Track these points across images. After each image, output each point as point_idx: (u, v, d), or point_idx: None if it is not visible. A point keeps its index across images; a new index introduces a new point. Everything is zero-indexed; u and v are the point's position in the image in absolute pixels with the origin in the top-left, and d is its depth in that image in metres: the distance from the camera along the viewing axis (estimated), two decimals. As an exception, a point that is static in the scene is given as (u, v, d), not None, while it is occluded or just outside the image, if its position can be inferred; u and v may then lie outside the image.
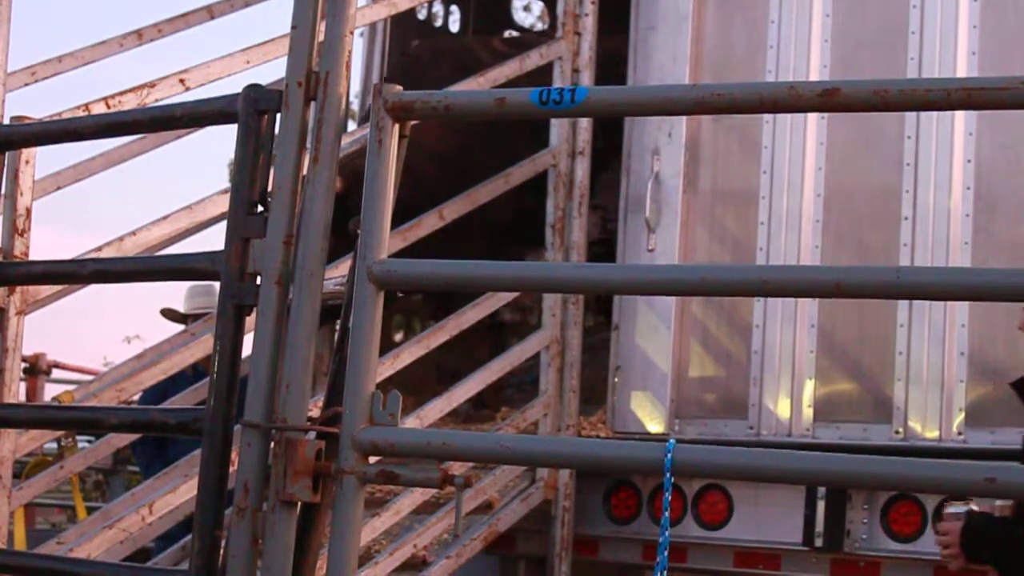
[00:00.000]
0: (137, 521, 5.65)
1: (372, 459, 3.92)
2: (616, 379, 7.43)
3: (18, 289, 5.28)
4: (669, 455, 3.59)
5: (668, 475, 3.60)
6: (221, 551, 4.00)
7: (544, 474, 7.33)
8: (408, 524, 6.82)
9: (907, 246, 6.96)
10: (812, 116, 7.12)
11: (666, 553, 3.75)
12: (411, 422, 6.38)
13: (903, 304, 6.86)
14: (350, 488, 3.84)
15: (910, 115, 6.91)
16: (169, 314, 8.14)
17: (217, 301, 4.18)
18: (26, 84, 6.20)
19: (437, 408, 6.74)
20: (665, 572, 3.72)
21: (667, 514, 3.79)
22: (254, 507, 3.92)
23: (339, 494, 3.85)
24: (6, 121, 5.11)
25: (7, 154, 4.92)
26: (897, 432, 6.86)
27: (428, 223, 6.89)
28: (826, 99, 3.74)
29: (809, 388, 7.04)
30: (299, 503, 3.93)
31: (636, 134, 7.55)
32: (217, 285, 4.17)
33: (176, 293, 7.93)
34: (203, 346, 5.82)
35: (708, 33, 7.54)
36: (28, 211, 5.35)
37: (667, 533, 3.76)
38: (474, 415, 8.34)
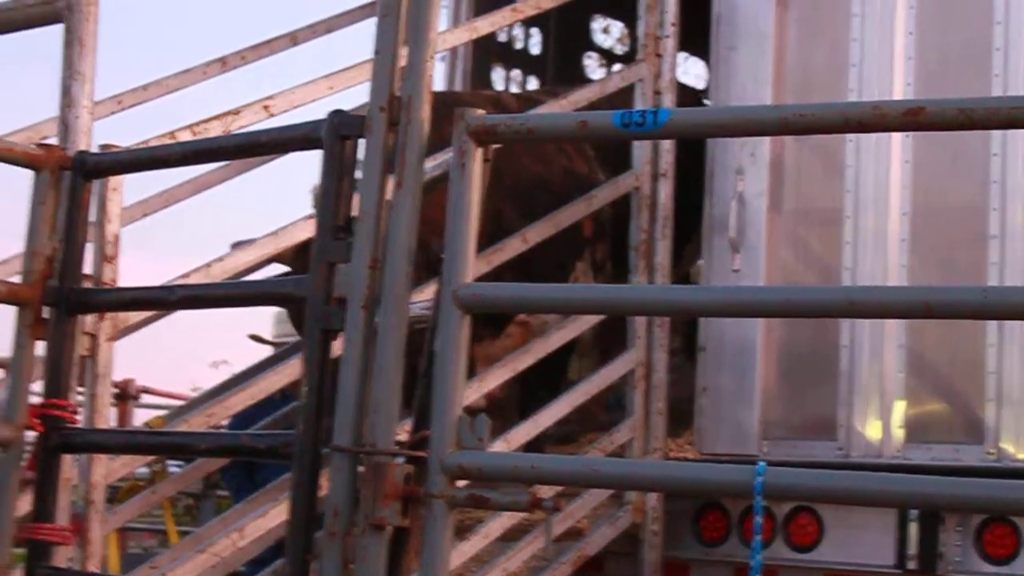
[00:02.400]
0: (228, 545, 5.67)
1: (461, 483, 3.93)
2: (703, 400, 7.40)
3: (108, 316, 5.33)
4: (760, 478, 3.57)
5: (759, 498, 3.58)
6: (312, 575, 4.02)
7: (632, 497, 7.30)
8: (497, 549, 6.80)
9: (995, 265, 6.87)
10: (896, 134, 7.05)
11: (758, 576, 3.72)
12: (498, 445, 6.38)
13: (992, 323, 6.77)
14: (439, 512, 3.84)
15: (996, 132, 6.83)
16: (259, 339, 8.19)
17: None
18: (113, 112, 6.27)
19: (524, 431, 6.72)
20: (757, 595, 3.69)
21: (759, 537, 3.76)
22: (344, 531, 3.94)
23: (429, 518, 3.86)
24: (94, 149, 5.17)
25: (95, 182, 4.98)
26: (989, 453, 6.78)
27: (512, 247, 6.89)
28: (911, 118, 3.72)
29: (899, 409, 6.97)
30: (389, 527, 3.94)
31: (719, 154, 7.51)
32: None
33: (264, 318, 7.96)
34: (291, 371, 5.85)
35: (790, 52, 7.50)
36: (116, 238, 5.40)
37: (759, 557, 3.74)
38: (561, 437, 8.31)
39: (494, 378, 6.63)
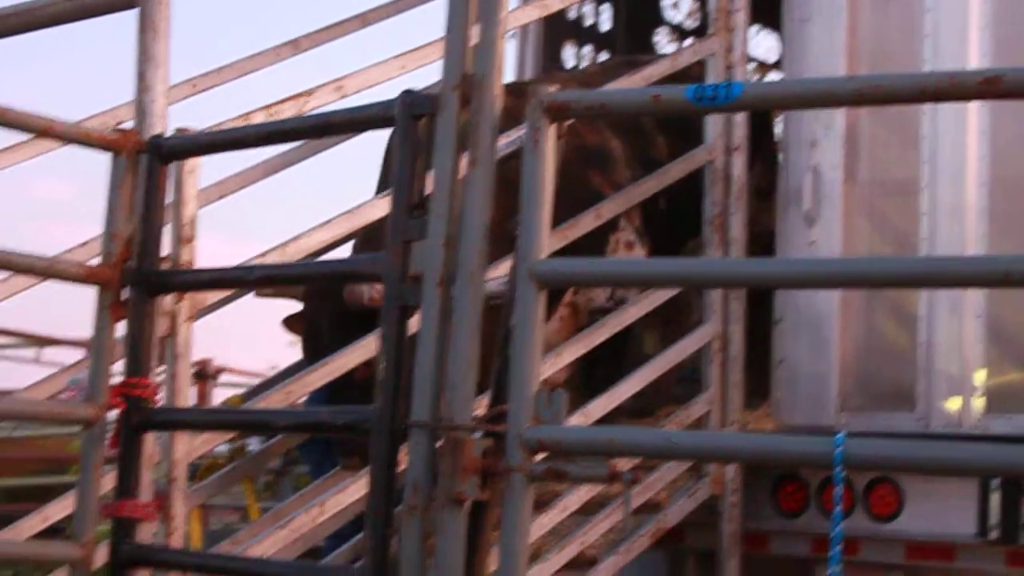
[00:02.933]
0: (308, 521, 5.71)
1: (539, 456, 3.94)
2: (780, 372, 7.37)
3: (186, 296, 5.38)
4: (839, 448, 3.56)
5: (838, 469, 3.57)
6: (392, 549, 4.05)
7: (711, 469, 7.30)
8: (575, 523, 6.82)
9: (1075, 233, 6.81)
10: (973, 104, 6.97)
11: (839, 547, 3.72)
12: (575, 419, 6.39)
13: (1072, 291, 6.70)
14: (518, 486, 3.86)
15: (1075, 99, 6.74)
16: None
17: None
18: (187, 96, 6.32)
19: (601, 405, 6.73)
20: (839, 566, 3.69)
21: (839, 508, 3.76)
22: (423, 505, 3.97)
23: (507, 492, 3.88)
24: (170, 133, 5.22)
25: (171, 164, 5.02)
26: (1071, 421, 6.72)
27: (585, 223, 6.89)
28: (988, 87, 3.69)
29: (979, 379, 6.91)
30: (468, 501, 3.96)
31: (793, 127, 7.47)
32: None
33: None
34: (368, 349, 5.88)
35: (863, 23, 7.43)
36: (193, 220, 5.45)
37: (840, 527, 3.73)
38: (635, 410, 8.31)
39: (570, 353, 6.65)
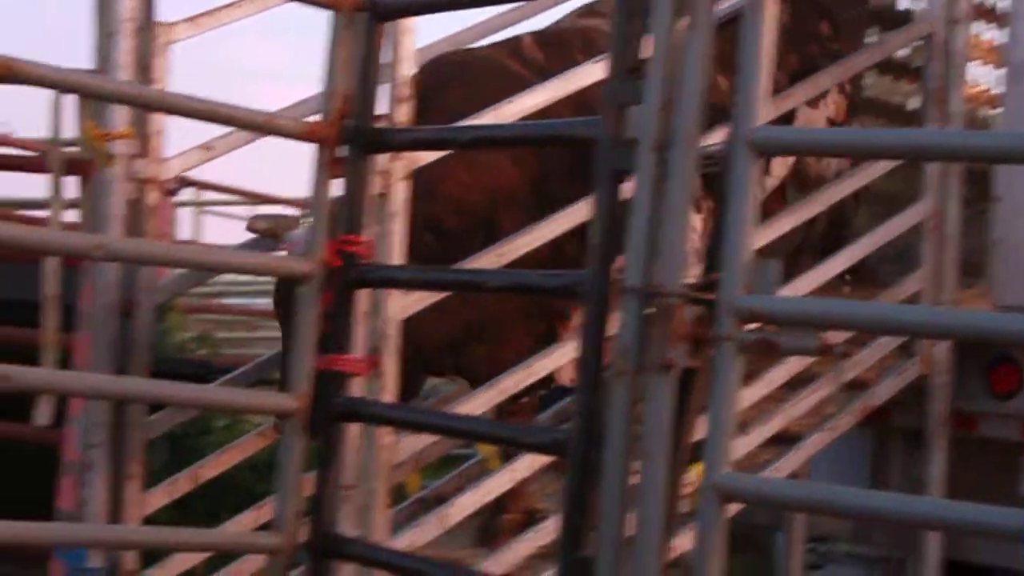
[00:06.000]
0: (517, 381, 5.76)
1: (749, 326, 3.91)
2: (997, 252, 7.19)
3: (401, 155, 5.42)
4: (1060, 328, 3.46)
5: (1058, 349, 3.48)
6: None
7: (921, 348, 7.19)
8: (781, 396, 6.79)
9: None
10: None
11: (1053, 430, 3.64)
12: (785, 292, 6.32)
13: None
14: (728, 354, 3.83)
15: None
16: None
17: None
18: (405, -44, 6.32)
19: (810, 280, 6.66)
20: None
21: (1053, 390, 3.67)
22: (632, 371, 3.96)
23: (717, 360, 3.85)
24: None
25: (386, 24, 5.03)
26: None
27: (800, 94, 6.77)
28: None
29: None
30: (677, 368, 3.95)
31: (1022, -2, 7.24)
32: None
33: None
34: (580, 214, 5.87)
35: None
36: (409, 80, 5.48)
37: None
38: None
39: (783, 223, 6.57)
